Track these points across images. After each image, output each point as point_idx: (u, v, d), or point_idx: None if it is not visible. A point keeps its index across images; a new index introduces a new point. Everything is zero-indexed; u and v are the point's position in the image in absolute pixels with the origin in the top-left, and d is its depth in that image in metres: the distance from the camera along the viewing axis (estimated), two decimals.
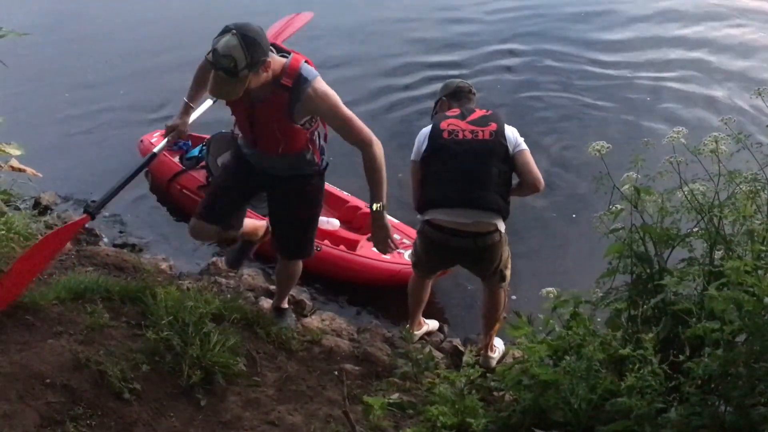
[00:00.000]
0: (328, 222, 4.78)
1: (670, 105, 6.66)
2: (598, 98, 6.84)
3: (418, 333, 3.80)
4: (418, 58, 7.55)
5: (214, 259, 4.50)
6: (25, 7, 8.44)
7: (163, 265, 4.23)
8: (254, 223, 3.61)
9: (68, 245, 4.27)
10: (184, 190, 4.99)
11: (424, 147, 3.25)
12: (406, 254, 4.28)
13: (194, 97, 3.21)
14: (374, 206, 2.89)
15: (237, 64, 2.55)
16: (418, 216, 3.34)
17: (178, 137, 3.29)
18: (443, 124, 3.23)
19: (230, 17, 2.99)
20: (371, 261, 4.39)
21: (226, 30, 2.60)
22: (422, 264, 3.51)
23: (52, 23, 8.16)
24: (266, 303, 3.82)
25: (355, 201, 4.97)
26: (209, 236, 3.36)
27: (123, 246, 4.60)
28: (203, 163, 4.96)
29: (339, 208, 4.97)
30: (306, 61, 2.82)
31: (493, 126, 3.21)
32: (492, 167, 3.15)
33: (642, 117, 6.46)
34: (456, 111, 3.32)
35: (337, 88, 2.85)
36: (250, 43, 2.57)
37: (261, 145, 3.01)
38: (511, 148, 3.20)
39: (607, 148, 2.52)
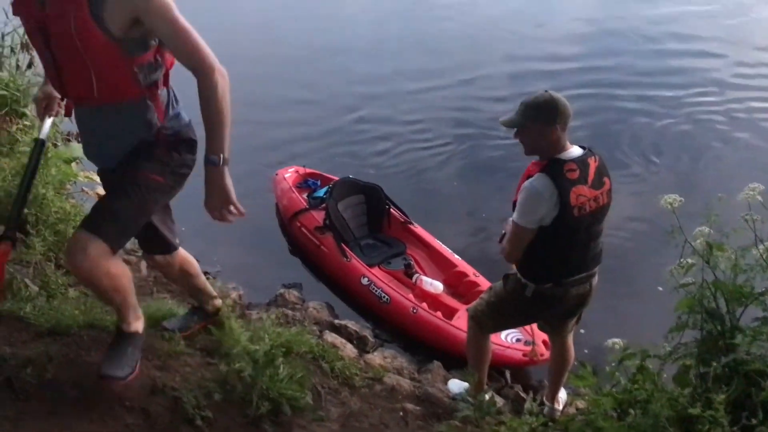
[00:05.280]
0: (432, 284, 4.67)
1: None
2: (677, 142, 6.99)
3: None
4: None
5: (281, 291, 4.62)
6: None
7: (233, 294, 4.38)
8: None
9: (144, 272, 4.48)
10: (303, 228, 5.14)
11: (547, 221, 2.91)
12: (504, 336, 4.23)
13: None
14: (211, 156, 2.16)
15: None
16: (524, 280, 3.08)
17: (54, 107, 2.53)
18: (572, 198, 2.87)
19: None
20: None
21: None
22: (509, 322, 3.49)
23: None
24: (330, 337, 3.90)
25: (463, 266, 4.86)
26: None
27: None
28: (324, 205, 5.09)
29: (446, 271, 4.87)
30: None
31: (608, 184, 3.04)
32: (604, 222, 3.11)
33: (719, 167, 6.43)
34: (575, 172, 2.90)
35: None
36: None
37: (70, 86, 2.22)
38: None
39: (680, 201, 2.52)
